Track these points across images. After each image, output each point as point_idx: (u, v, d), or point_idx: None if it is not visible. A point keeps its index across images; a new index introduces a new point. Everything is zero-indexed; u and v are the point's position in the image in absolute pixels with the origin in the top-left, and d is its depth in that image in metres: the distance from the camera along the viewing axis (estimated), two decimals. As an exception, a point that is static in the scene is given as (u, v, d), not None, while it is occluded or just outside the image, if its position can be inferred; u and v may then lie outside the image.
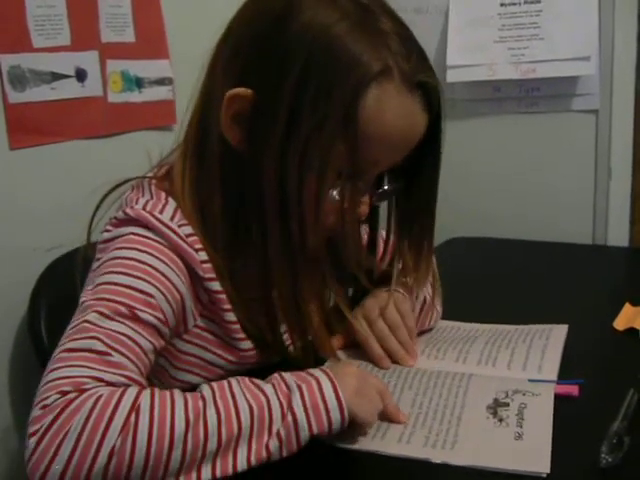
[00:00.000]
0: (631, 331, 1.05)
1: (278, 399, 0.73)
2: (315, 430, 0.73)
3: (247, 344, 0.91)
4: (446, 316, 1.12)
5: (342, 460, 0.77)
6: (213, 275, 0.85)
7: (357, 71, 0.78)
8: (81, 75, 1.42)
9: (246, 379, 0.76)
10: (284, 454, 0.72)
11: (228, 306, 0.87)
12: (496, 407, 0.82)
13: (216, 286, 0.86)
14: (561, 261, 1.54)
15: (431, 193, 0.96)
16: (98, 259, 0.84)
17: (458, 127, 1.84)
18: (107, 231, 0.85)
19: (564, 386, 0.87)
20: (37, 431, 0.66)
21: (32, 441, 0.66)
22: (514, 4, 1.70)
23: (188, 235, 0.84)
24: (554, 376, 0.90)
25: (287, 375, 0.77)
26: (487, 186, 1.84)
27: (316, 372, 0.78)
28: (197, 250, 0.84)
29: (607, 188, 1.70)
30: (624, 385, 0.85)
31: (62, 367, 0.71)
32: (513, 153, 1.79)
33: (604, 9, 1.62)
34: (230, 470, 0.70)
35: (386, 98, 0.80)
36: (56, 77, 1.37)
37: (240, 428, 0.70)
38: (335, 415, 0.74)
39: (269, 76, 0.81)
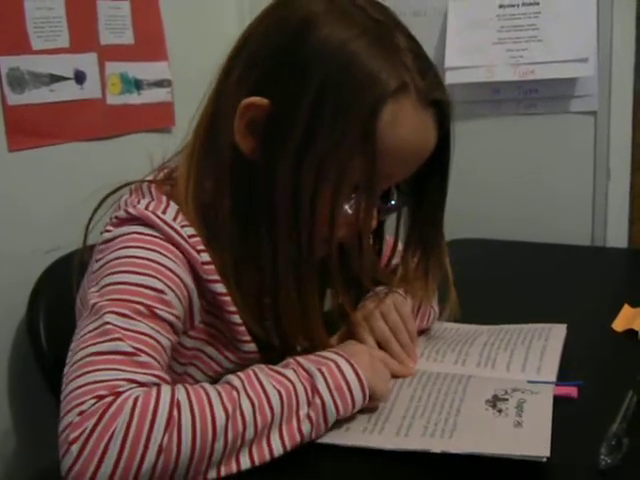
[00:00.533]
0: (630, 332, 1.05)
1: (302, 383, 0.76)
2: (342, 411, 0.77)
3: (251, 346, 0.91)
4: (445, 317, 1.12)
5: (340, 457, 0.77)
6: (216, 277, 0.85)
7: (375, 88, 0.79)
8: (80, 77, 1.42)
9: (264, 367, 0.78)
10: (313, 436, 0.76)
11: (233, 308, 0.87)
12: (495, 401, 0.83)
13: (219, 288, 0.85)
14: (560, 262, 1.54)
15: (439, 208, 0.98)
16: (99, 259, 0.83)
17: (457, 128, 1.82)
18: (108, 231, 0.85)
19: (563, 387, 0.87)
20: (79, 437, 0.66)
21: (74, 448, 0.65)
22: (512, 6, 1.71)
23: (190, 236, 0.84)
24: (553, 378, 0.90)
25: (303, 360, 0.80)
26: (486, 188, 1.84)
27: (330, 355, 0.81)
28: (199, 251, 0.84)
29: (606, 189, 1.70)
30: (623, 386, 0.85)
31: (92, 371, 0.71)
32: (512, 154, 1.80)
33: (602, 11, 1.62)
34: (267, 456, 0.73)
35: (403, 114, 0.81)
36: (55, 79, 1.37)
37: (273, 415, 0.73)
38: (358, 394, 0.78)
39: (286, 89, 0.81)
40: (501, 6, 1.71)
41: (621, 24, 1.62)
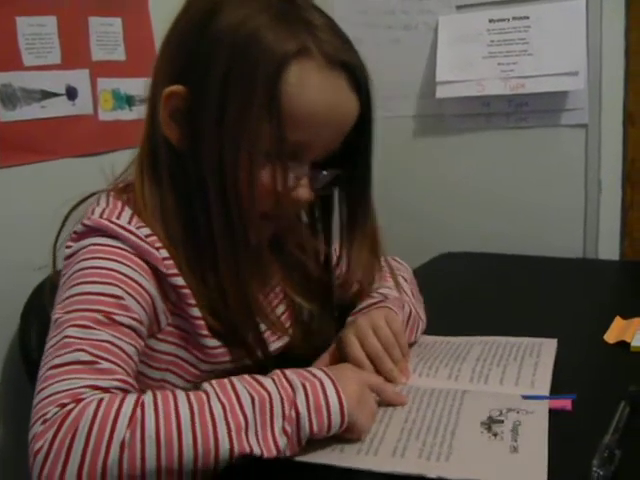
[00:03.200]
0: (622, 344, 1.05)
1: (279, 393, 0.75)
2: (316, 429, 0.75)
3: (214, 342, 0.91)
4: (437, 331, 1.12)
5: (334, 478, 0.76)
6: (176, 271, 0.86)
7: (275, 52, 0.82)
8: (72, 93, 1.42)
9: (246, 376, 0.77)
10: (289, 453, 0.74)
11: (192, 301, 0.88)
12: (490, 423, 0.82)
13: (179, 281, 0.87)
14: (552, 275, 1.54)
15: (366, 180, 0.98)
16: (63, 275, 0.85)
17: (448, 142, 1.85)
18: (68, 247, 0.87)
19: (557, 401, 0.87)
20: (42, 446, 0.67)
21: (40, 456, 0.66)
22: (503, 20, 1.72)
23: (147, 235, 0.85)
24: (546, 392, 0.90)
25: (289, 372, 0.78)
26: (477, 201, 1.84)
27: (318, 373, 0.80)
28: (157, 248, 0.85)
29: (597, 202, 1.71)
30: (615, 398, 0.85)
31: (54, 383, 0.72)
32: (503, 168, 1.80)
33: (592, 24, 1.64)
34: (247, 452, 0.71)
35: (307, 75, 0.84)
36: (47, 95, 1.37)
37: (246, 419, 0.72)
38: (335, 418, 0.76)
39: (198, 71, 0.85)
40: (491, 20, 1.73)
41: (610, 37, 1.63)
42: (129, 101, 1.54)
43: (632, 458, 0.74)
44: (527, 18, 1.69)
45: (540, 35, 1.68)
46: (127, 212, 0.87)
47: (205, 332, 0.90)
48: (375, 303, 1.05)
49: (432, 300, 1.17)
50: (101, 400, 0.69)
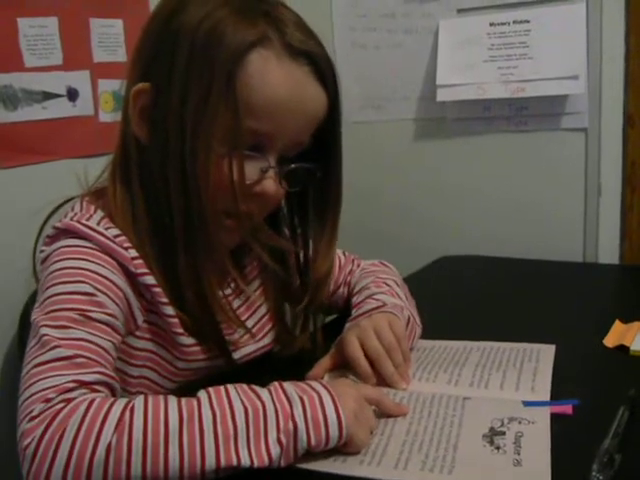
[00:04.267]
0: (621, 348, 1.05)
1: (274, 405, 0.74)
2: (313, 442, 0.74)
3: (189, 340, 0.92)
4: (436, 334, 1.12)
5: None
6: (146, 270, 0.87)
7: (234, 42, 0.83)
8: (73, 94, 1.42)
9: (244, 385, 0.77)
10: (283, 463, 0.73)
11: (165, 299, 0.89)
12: (492, 436, 0.81)
13: (150, 280, 0.87)
14: (552, 279, 1.54)
15: (336, 180, 0.98)
16: (39, 279, 0.86)
17: (448, 145, 1.85)
18: (42, 252, 0.88)
19: (558, 407, 0.87)
20: (31, 442, 0.67)
21: (28, 453, 0.66)
22: (503, 24, 1.72)
23: (116, 236, 0.86)
24: (547, 397, 0.90)
25: (287, 384, 0.78)
26: (477, 204, 1.84)
27: (317, 387, 0.78)
28: (126, 248, 0.86)
29: (597, 206, 1.71)
30: (615, 402, 0.85)
31: (38, 380, 0.72)
32: (503, 171, 1.80)
33: (592, 28, 1.64)
34: (235, 464, 0.70)
35: (266, 65, 0.84)
36: (48, 96, 1.37)
37: (236, 428, 0.71)
38: (333, 432, 0.75)
39: (161, 66, 0.86)
40: (492, 24, 1.73)
41: (610, 41, 1.63)
42: (130, 103, 1.55)
43: (632, 463, 0.74)
44: (527, 22, 1.69)
45: (540, 39, 1.68)
46: (98, 214, 0.88)
47: (180, 330, 0.90)
48: (376, 308, 1.04)
49: (432, 303, 1.17)
50: (92, 401, 0.69)
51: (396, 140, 1.89)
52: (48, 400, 0.69)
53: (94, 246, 0.85)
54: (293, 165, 0.92)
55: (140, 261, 0.87)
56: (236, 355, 0.98)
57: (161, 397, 0.72)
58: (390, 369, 0.95)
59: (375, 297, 1.08)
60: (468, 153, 1.83)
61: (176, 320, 0.90)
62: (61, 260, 0.84)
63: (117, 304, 0.84)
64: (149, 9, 1.57)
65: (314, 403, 0.76)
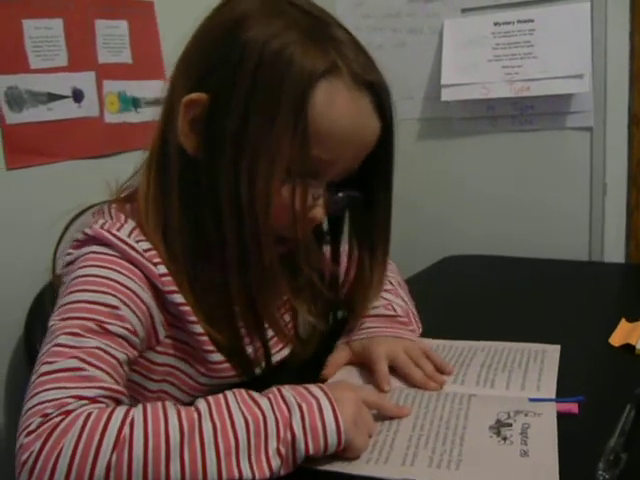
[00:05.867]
0: (627, 347, 1.05)
1: (274, 414, 0.73)
2: (311, 450, 0.73)
3: (218, 356, 0.91)
4: (442, 334, 1.12)
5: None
6: (174, 288, 0.86)
7: (305, 69, 0.81)
8: (78, 96, 1.43)
9: (243, 391, 0.76)
10: (282, 473, 0.72)
11: (193, 318, 0.87)
12: (499, 427, 0.81)
13: (178, 298, 0.86)
14: (557, 278, 1.54)
15: (385, 205, 0.97)
16: (63, 283, 0.85)
17: (453, 145, 1.85)
18: (69, 254, 0.87)
19: (564, 405, 0.87)
20: (28, 458, 0.66)
21: (26, 469, 0.65)
22: (508, 23, 1.72)
23: (146, 250, 0.85)
24: (553, 395, 0.90)
25: (285, 390, 0.77)
26: (482, 204, 1.84)
27: (316, 391, 0.77)
28: (155, 264, 0.85)
29: (602, 205, 1.71)
30: (621, 401, 0.85)
31: (41, 392, 0.71)
32: (508, 171, 1.80)
33: (596, 27, 1.64)
34: (237, 477, 0.69)
35: (335, 94, 0.82)
36: (53, 98, 1.38)
37: (237, 441, 0.70)
38: (332, 439, 0.74)
39: (223, 80, 0.83)
40: (496, 24, 1.73)
41: (615, 40, 1.63)
42: (135, 103, 1.55)
43: (638, 462, 0.74)
44: (532, 21, 1.69)
45: (545, 38, 1.68)
46: (129, 224, 0.87)
47: (210, 347, 0.90)
48: (389, 317, 1.06)
49: (437, 302, 1.17)
50: (89, 415, 0.68)
51: (400, 140, 1.87)
52: (46, 415, 0.68)
53: (122, 257, 0.83)
54: (341, 194, 0.91)
55: (169, 278, 0.85)
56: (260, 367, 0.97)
57: (160, 407, 0.71)
58: (419, 374, 0.95)
59: (382, 296, 1.08)
60: (473, 152, 1.83)
61: (206, 338, 0.89)
62: (88, 267, 0.82)
63: (139, 319, 0.82)
64: (154, 10, 1.58)
65: (312, 410, 0.74)
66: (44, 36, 1.35)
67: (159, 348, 0.89)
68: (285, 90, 0.80)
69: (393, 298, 1.10)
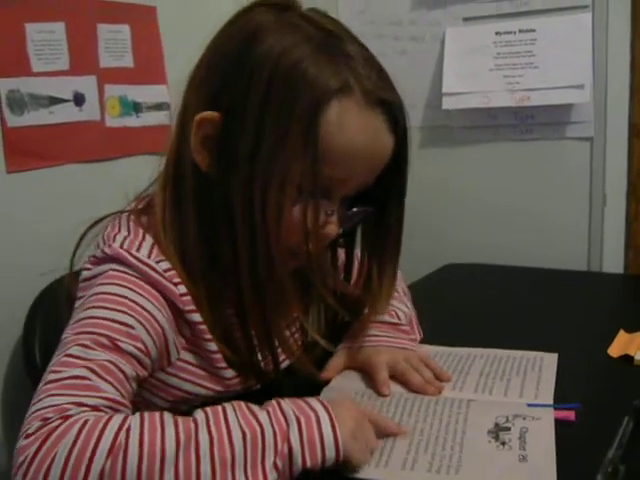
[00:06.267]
0: (626, 358, 1.05)
1: (272, 427, 0.72)
2: (308, 463, 0.72)
3: (230, 372, 0.91)
4: (440, 341, 1.12)
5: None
6: (193, 307, 0.85)
7: (317, 87, 0.80)
8: (79, 99, 1.43)
9: (242, 404, 0.75)
10: None
11: (209, 336, 0.87)
12: (497, 431, 0.82)
13: (196, 317, 0.86)
14: (556, 288, 1.54)
15: (397, 220, 0.97)
16: (80, 297, 0.84)
17: (454, 154, 1.85)
18: (87, 269, 0.86)
19: (561, 411, 0.87)
20: (23, 461, 0.65)
21: (20, 472, 0.65)
22: (509, 33, 1.72)
23: (166, 270, 0.84)
24: (550, 402, 0.90)
25: (285, 403, 0.76)
26: (482, 212, 1.84)
27: (315, 405, 0.76)
28: (176, 284, 0.84)
29: (602, 215, 1.71)
30: (619, 412, 0.85)
31: (44, 397, 0.71)
32: (508, 180, 1.80)
33: (598, 37, 1.64)
34: None
35: (347, 113, 0.82)
36: (54, 101, 1.38)
37: (233, 453, 0.69)
38: (330, 453, 0.73)
39: (234, 98, 0.82)
40: (498, 33, 1.73)
41: (616, 50, 1.63)
42: (136, 108, 1.55)
43: (636, 473, 0.74)
44: (533, 31, 1.70)
45: (546, 48, 1.68)
46: (147, 242, 0.86)
47: (223, 364, 0.90)
48: (392, 324, 1.07)
49: (436, 310, 1.17)
50: (86, 421, 0.67)
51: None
52: (45, 419, 0.68)
53: (143, 277, 0.83)
54: (355, 209, 0.91)
55: (188, 297, 0.85)
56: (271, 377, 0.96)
57: (157, 417, 0.70)
58: (418, 379, 0.96)
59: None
60: (473, 161, 1.84)
61: (219, 355, 0.88)
62: (108, 284, 0.82)
63: (153, 340, 0.82)
64: (156, 15, 1.58)
65: (311, 423, 0.74)
66: (46, 40, 1.35)
67: (170, 369, 0.88)
68: (297, 108, 0.80)
69: (398, 304, 1.10)
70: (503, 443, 0.79)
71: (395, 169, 0.91)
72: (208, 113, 0.83)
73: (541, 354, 1.05)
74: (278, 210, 0.81)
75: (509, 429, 0.82)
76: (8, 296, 1.29)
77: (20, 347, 1.28)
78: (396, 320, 1.07)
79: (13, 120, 1.31)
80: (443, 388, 0.95)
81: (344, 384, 0.99)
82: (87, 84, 1.45)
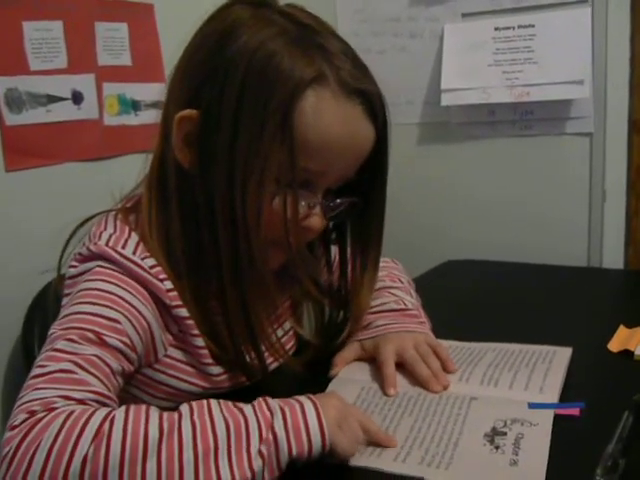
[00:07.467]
0: (625, 353, 1.05)
1: (256, 417, 0.72)
2: (294, 451, 0.72)
3: (217, 369, 0.91)
4: (440, 338, 1.12)
5: (336, 475, 0.77)
6: (179, 302, 0.86)
7: (292, 78, 0.81)
8: (77, 98, 1.42)
9: (228, 401, 0.75)
10: (266, 477, 0.71)
11: (196, 331, 0.88)
12: (493, 435, 0.82)
13: (183, 312, 0.86)
14: (556, 283, 1.54)
15: (379, 211, 0.96)
16: (66, 294, 0.85)
17: (453, 150, 1.85)
18: (73, 267, 0.87)
19: (564, 410, 0.87)
20: (8, 451, 0.66)
21: (4, 463, 0.66)
22: (508, 28, 1.72)
23: (152, 266, 0.85)
24: (555, 399, 0.90)
25: (271, 399, 0.76)
26: (482, 208, 1.84)
27: (301, 398, 0.77)
28: (162, 280, 0.85)
29: (602, 211, 1.71)
30: (619, 407, 0.85)
31: (31, 391, 0.72)
32: (507, 176, 1.80)
33: (597, 33, 1.64)
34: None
35: (322, 103, 0.82)
36: (52, 100, 1.37)
37: (216, 441, 0.69)
38: (316, 439, 0.73)
39: (212, 94, 0.83)
40: (497, 29, 1.73)
41: (615, 46, 1.64)
42: (134, 106, 1.55)
43: (636, 467, 0.74)
44: (532, 26, 1.70)
45: (545, 43, 1.68)
46: (133, 240, 0.86)
47: (210, 360, 0.90)
48: (399, 311, 1.06)
49: (436, 307, 1.16)
50: (71, 412, 0.68)
51: (400, 144, 1.88)
52: (31, 412, 0.68)
53: (128, 274, 0.83)
54: (339, 200, 0.91)
55: (175, 293, 0.85)
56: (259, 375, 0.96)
57: (143, 408, 0.70)
58: (425, 371, 0.95)
59: (391, 291, 1.09)
60: (473, 157, 1.84)
61: (206, 351, 0.89)
62: (94, 280, 0.82)
63: (139, 335, 0.82)
64: (154, 13, 1.58)
65: (295, 412, 0.74)
66: (44, 38, 1.35)
67: (157, 366, 0.89)
68: (271, 100, 0.80)
69: (403, 295, 1.10)
70: (497, 447, 0.79)
71: (376, 160, 0.91)
72: (187, 111, 0.84)
73: (554, 348, 1.05)
74: (258, 203, 0.82)
75: (505, 434, 0.82)
76: (7, 295, 1.29)
77: (19, 346, 1.29)
78: (402, 307, 1.07)
79: (11, 119, 1.30)
80: (449, 384, 0.95)
81: (351, 375, 0.99)
82: (85, 82, 1.44)
